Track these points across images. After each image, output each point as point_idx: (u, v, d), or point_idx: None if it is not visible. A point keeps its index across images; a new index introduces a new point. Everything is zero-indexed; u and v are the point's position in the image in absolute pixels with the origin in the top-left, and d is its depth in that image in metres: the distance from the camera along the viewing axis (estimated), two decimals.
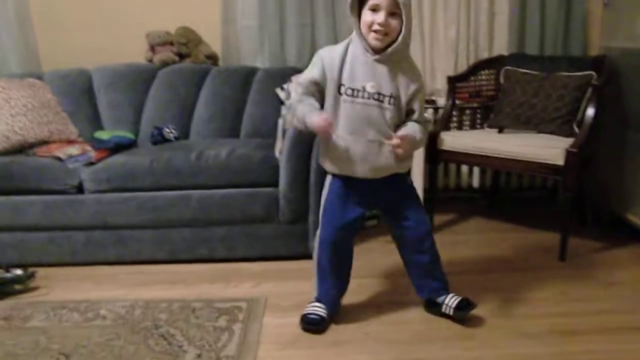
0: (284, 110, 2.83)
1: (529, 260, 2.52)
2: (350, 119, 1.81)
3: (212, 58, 3.25)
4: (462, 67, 3.19)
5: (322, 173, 2.43)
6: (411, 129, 1.86)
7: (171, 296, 2.22)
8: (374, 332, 1.93)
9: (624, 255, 2.56)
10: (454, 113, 2.95)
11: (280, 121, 2.77)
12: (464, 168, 3.35)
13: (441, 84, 3.15)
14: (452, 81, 2.99)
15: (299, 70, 3.04)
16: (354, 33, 1.83)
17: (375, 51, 1.79)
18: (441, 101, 3.07)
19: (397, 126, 1.86)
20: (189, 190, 2.47)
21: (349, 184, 1.90)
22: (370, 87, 1.79)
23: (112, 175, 2.47)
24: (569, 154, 2.37)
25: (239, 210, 2.47)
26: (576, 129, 2.60)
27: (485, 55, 3.21)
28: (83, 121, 2.97)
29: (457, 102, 2.98)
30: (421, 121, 1.91)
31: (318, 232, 1.97)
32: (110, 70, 3.09)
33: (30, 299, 2.24)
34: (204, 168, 2.46)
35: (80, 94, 3.04)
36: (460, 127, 2.95)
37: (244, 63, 3.26)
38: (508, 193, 3.44)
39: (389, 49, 1.78)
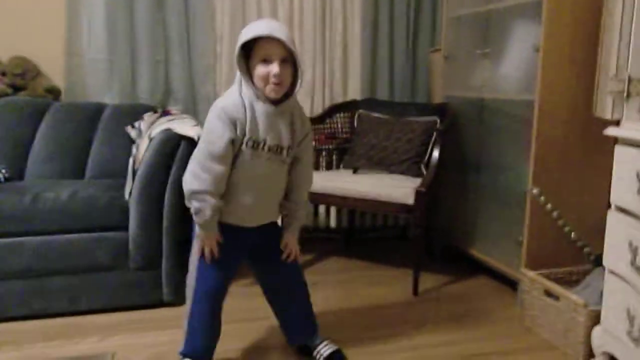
0: (134, 149, 2.67)
1: (385, 296, 2.59)
2: (248, 170, 1.74)
3: (53, 92, 2.99)
4: (318, 110, 3.27)
5: (177, 215, 2.35)
6: (290, 228, 1.90)
7: None
8: None
9: (469, 287, 2.73)
10: None
11: (130, 160, 2.61)
12: (321, 208, 3.40)
13: None
14: None
15: (151, 108, 2.92)
16: (239, 79, 1.72)
17: (270, 101, 1.72)
18: None
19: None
20: (22, 237, 2.21)
21: (232, 233, 1.80)
22: (270, 140, 1.73)
23: None
24: (417, 193, 2.49)
25: (82, 257, 2.26)
26: (424, 170, 2.76)
27: (339, 99, 3.33)
28: None
29: (314, 143, 3.03)
30: (302, 181, 1.89)
31: (193, 282, 1.83)
32: None
33: None
34: (41, 212, 2.22)
35: None
36: (317, 168, 3.01)
37: (90, 99, 3.04)
38: (363, 232, 3.55)
39: (289, 100, 1.74)
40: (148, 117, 2.76)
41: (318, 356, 1.97)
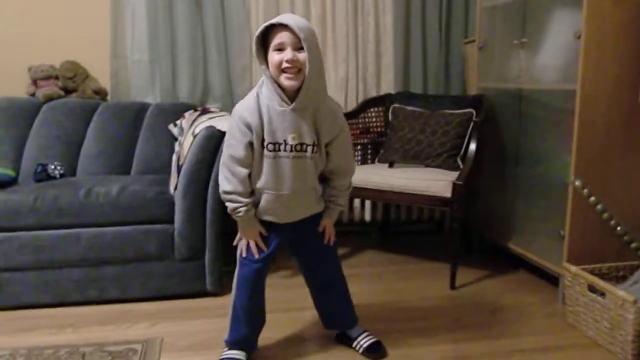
0: (177, 146, 2.77)
1: (422, 290, 2.60)
2: (274, 174, 1.76)
3: (101, 93, 3.14)
4: (352, 105, 3.31)
5: (220, 209, 2.43)
6: (329, 213, 1.92)
7: (58, 342, 2.06)
8: None
9: (507, 282, 2.71)
10: None
11: (174, 157, 2.72)
12: (356, 202, 3.43)
13: None
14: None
15: (191, 106, 3.04)
16: (261, 81, 1.75)
17: (290, 97, 1.72)
18: None
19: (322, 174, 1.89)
20: (78, 229, 2.33)
21: (267, 226, 1.87)
22: (291, 140, 1.73)
23: None
24: (455, 186, 2.50)
25: (132, 248, 2.37)
26: (460, 163, 2.77)
27: (373, 93, 3.35)
28: None
29: None
30: (341, 171, 1.88)
31: (236, 272, 1.91)
32: None
33: None
34: (94, 205, 2.34)
35: None
36: None
37: (134, 98, 3.18)
38: (398, 226, 3.58)
39: (301, 94, 1.70)
40: (189, 115, 2.86)
41: (358, 347, 2.00)
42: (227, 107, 3.21)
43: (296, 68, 1.67)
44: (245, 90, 3.25)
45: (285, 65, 1.66)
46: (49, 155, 2.82)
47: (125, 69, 3.18)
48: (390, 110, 3.13)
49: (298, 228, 1.88)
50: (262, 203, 1.81)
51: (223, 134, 2.38)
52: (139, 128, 3.01)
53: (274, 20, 1.66)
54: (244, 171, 1.76)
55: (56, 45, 3.11)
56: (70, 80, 3.06)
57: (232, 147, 1.76)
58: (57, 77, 3.06)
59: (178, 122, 2.93)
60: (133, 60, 3.17)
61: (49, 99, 2.98)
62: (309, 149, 1.76)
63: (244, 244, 1.86)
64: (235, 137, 1.75)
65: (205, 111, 2.83)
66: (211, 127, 2.41)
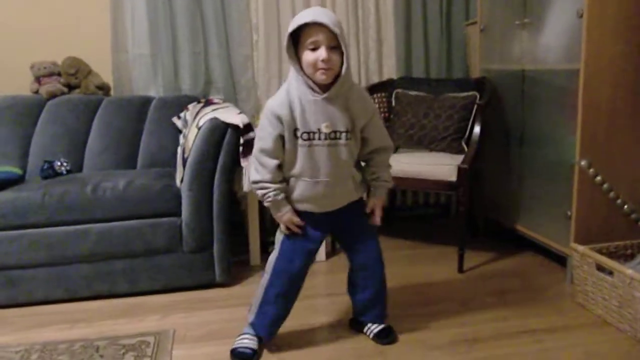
0: (182, 139, 2.78)
1: (430, 274, 2.61)
2: (309, 162, 1.79)
3: (103, 88, 3.14)
4: None
5: (226, 200, 2.45)
6: (377, 192, 1.93)
7: (71, 336, 2.08)
8: (289, 357, 1.92)
9: (515, 264, 2.73)
10: None
11: (179, 149, 2.73)
12: None
13: None
14: None
15: (194, 98, 3.04)
16: (291, 75, 1.77)
17: (322, 88, 1.75)
18: None
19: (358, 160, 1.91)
20: (86, 225, 2.35)
21: (310, 219, 1.88)
22: (325, 128, 1.76)
23: None
24: (460, 170, 2.50)
25: (140, 241, 2.38)
26: (465, 146, 2.77)
27: (375, 79, 3.36)
28: None
29: None
30: (381, 148, 1.91)
31: (273, 258, 1.93)
32: None
33: None
34: (101, 201, 2.35)
35: None
36: None
37: (137, 92, 3.19)
38: (404, 211, 3.58)
39: (335, 85, 1.73)
40: (192, 107, 2.86)
41: (368, 332, 2.02)
42: (230, 97, 3.23)
43: (329, 67, 1.70)
44: (247, 80, 3.27)
45: (320, 65, 1.69)
46: (55, 152, 2.83)
47: (127, 64, 3.18)
48: (393, 96, 3.12)
49: (336, 218, 1.90)
50: (298, 191, 1.83)
51: (227, 125, 2.40)
52: (143, 122, 3.01)
53: (308, 19, 1.66)
54: (273, 162, 1.79)
55: (57, 41, 3.11)
56: (73, 76, 3.07)
57: (262, 140, 1.80)
58: (59, 74, 3.07)
59: (182, 114, 2.93)
60: (134, 54, 3.17)
61: (53, 95, 2.99)
62: (343, 135, 1.78)
63: (284, 227, 1.89)
64: (265, 130, 1.79)
65: (208, 102, 2.83)
66: (215, 118, 2.41)
